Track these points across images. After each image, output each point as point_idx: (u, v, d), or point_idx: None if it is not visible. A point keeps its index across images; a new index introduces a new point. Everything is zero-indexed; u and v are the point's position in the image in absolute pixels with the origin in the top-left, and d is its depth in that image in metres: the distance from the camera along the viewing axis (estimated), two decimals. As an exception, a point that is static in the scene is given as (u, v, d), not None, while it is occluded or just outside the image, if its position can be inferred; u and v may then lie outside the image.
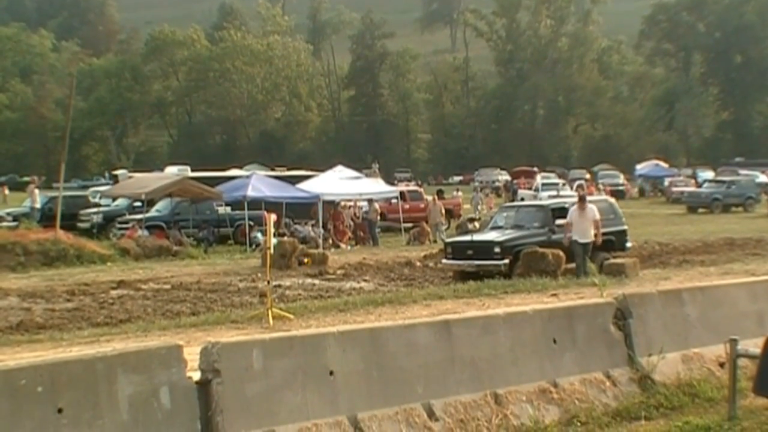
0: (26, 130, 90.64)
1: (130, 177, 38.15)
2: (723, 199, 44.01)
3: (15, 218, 31.20)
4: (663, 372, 8.57)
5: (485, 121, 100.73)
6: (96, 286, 17.84)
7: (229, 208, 30.05)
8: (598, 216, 17.86)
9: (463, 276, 18.19)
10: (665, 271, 19.10)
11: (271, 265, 14.41)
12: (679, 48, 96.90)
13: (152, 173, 40.77)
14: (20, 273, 20.36)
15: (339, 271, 20.52)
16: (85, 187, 54.14)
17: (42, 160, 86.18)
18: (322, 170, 34.74)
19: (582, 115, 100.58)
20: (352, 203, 31.96)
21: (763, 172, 58.48)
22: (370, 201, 30.48)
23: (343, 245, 28.43)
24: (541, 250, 17.75)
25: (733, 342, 7.79)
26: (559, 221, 18.76)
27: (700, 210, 43.53)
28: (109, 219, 30.94)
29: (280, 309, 13.33)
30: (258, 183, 28.73)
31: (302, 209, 30.05)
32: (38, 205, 32.31)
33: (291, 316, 12.94)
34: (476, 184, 62.91)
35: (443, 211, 31.89)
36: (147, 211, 29.15)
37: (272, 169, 46.49)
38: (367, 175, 38.61)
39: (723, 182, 47.21)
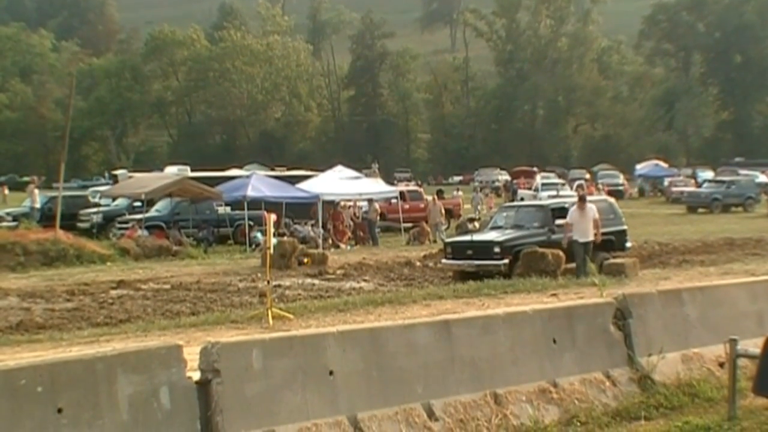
0: (26, 129, 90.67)
1: (130, 177, 38.15)
2: (723, 199, 44.02)
3: (15, 218, 31.22)
4: (663, 372, 8.57)
5: (485, 121, 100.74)
6: (96, 286, 17.84)
7: (228, 208, 30.07)
8: (597, 215, 17.90)
9: (463, 276, 18.19)
10: (665, 271, 19.11)
11: (270, 265, 14.42)
12: (678, 48, 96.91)
13: (152, 173, 40.76)
14: (20, 273, 20.37)
15: (339, 271, 20.52)
16: (85, 187, 54.18)
17: (42, 160, 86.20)
18: (322, 170, 34.74)
19: (582, 115, 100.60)
20: (351, 203, 31.95)
21: (762, 172, 58.50)
22: (370, 201, 30.47)
23: (342, 245, 28.43)
24: (540, 250, 17.76)
25: (733, 342, 7.79)
26: (558, 221, 18.77)
27: (700, 210, 43.54)
28: (109, 219, 30.94)
29: (280, 309, 13.33)
30: (258, 183, 28.72)
31: (302, 209, 30.06)
32: (38, 205, 32.32)
33: (291, 316, 12.95)
34: (476, 184, 62.90)
35: (443, 211, 31.88)
36: (147, 211, 29.15)
37: (272, 169, 46.50)
38: (366, 175, 38.61)
39: (723, 182, 47.21)
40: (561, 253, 17.62)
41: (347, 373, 6.81)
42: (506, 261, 18.02)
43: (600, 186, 51.09)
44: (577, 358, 8.26)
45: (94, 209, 32.73)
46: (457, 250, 19.14)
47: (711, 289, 10.28)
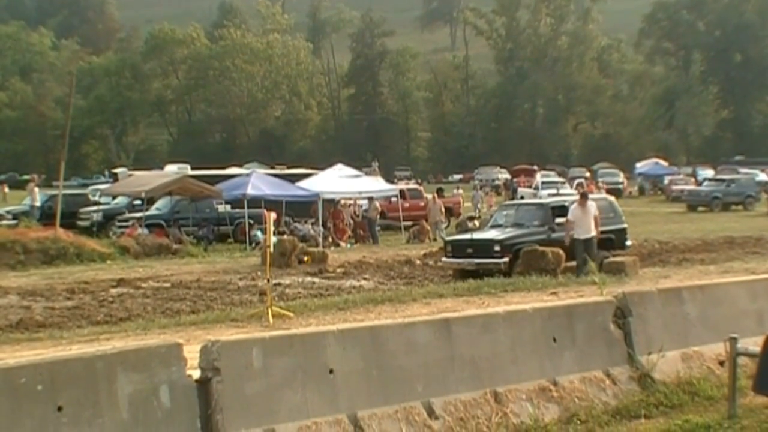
0: (26, 128, 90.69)
1: (130, 175, 38.16)
2: (723, 198, 44.04)
3: (15, 216, 31.23)
4: (663, 370, 8.57)
5: (485, 119, 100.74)
6: (96, 285, 17.82)
7: (228, 207, 30.05)
8: (597, 213, 17.92)
9: (463, 274, 18.20)
10: (665, 270, 19.10)
11: (270, 264, 14.40)
12: (678, 46, 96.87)
13: (152, 171, 40.77)
14: (20, 271, 20.36)
15: (339, 270, 20.51)
16: (85, 186, 54.22)
17: (42, 159, 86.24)
18: (322, 168, 34.75)
19: (582, 114, 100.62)
20: (351, 202, 31.95)
21: (762, 171, 58.49)
22: (370, 199, 30.45)
23: (342, 244, 28.43)
24: (540, 248, 17.75)
25: (733, 340, 7.79)
26: (558, 219, 18.78)
27: (700, 208, 43.55)
28: (109, 217, 30.96)
29: (280, 307, 13.32)
30: (258, 181, 28.72)
31: (302, 208, 30.07)
32: (38, 204, 32.33)
33: (291, 315, 12.94)
34: (476, 182, 62.91)
35: (443, 209, 31.88)
36: (147, 210, 29.15)
37: (272, 168, 46.63)
38: (366, 174, 38.60)
39: (723, 181, 47.24)
40: (561, 252, 17.62)
41: (347, 372, 6.81)
42: (506, 259, 18.02)
43: (600, 184, 51.08)
44: (577, 357, 8.26)
45: (94, 207, 32.72)
46: (457, 249, 19.13)
47: (711, 287, 10.27)
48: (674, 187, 52.71)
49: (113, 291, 17.11)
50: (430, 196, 33.28)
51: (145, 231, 26.84)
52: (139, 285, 17.93)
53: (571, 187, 46.99)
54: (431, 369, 7.29)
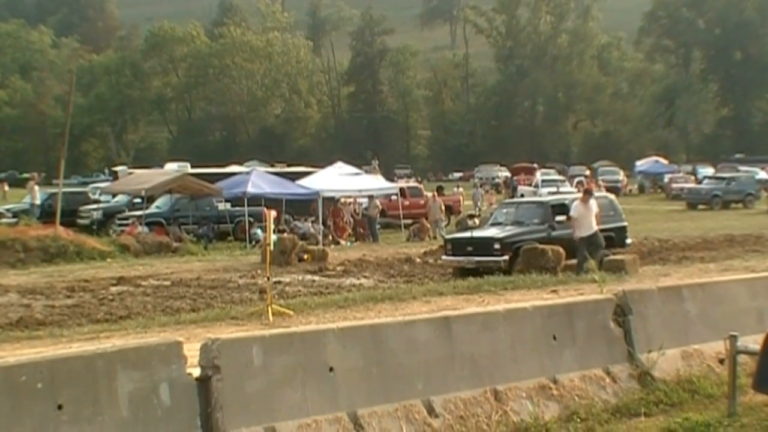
0: (26, 126, 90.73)
1: (130, 173, 38.16)
2: (723, 196, 44.03)
3: (15, 215, 31.25)
4: (663, 368, 8.57)
5: (485, 117, 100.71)
6: (96, 283, 17.82)
7: (228, 205, 30.05)
8: (597, 210, 17.96)
9: (463, 272, 18.18)
10: (665, 268, 19.08)
11: (270, 262, 14.40)
12: (678, 44, 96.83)
13: (152, 170, 40.77)
14: (20, 269, 20.36)
15: (339, 268, 20.51)
16: (85, 184, 54.18)
17: (42, 157, 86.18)
18: (322, 167, 34.71)
19: (582, 112, 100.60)
20: (351, 200, 31.95)
21: (762, 169, 58.40)
22: (370, 197, 30.44)
23: (342, 242, 28.43)
24: (540, 246, 17.74)
25: (733, 338, 7.79)
26: (558, 217, 18.78)
27: (700, 206, 43.52)
28: (109, 215, 30.96)
29: (280, 305, 13.32)
30: (258, 179, 28.72)
31: (302, 206, 30.07)
32: (38, 202, 32.33)
33: (291, 313, 12.94)
34: (476, 180, 62.89)
35: (443, 207, 31.88)
36: (147, 208, 29.14)
37: (272, 166, 46.58)
38: (366, 172, 38.59)
39: (723, 179, 47.20)
40: (561, 250, 17.63)
41: (347, 370, 6.81)
42: (506, 257, 18.01)
43: (601, 183, 51.08)
44: (577, 355, 8.26)
45: (94, 206, 32.73)
46: (457, 247, 19.13)
47: (711, 285, 10.27)
48: (674, 185, 52.69)
49: (113, 289, 17.11)
50: (430, 194, 33.29)
51: (145, 229, 26.85)
52: (139, 283, 17.93)
53: (571, 185, 47.06)
54: (431, 367, 7.29)
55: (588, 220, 17.59)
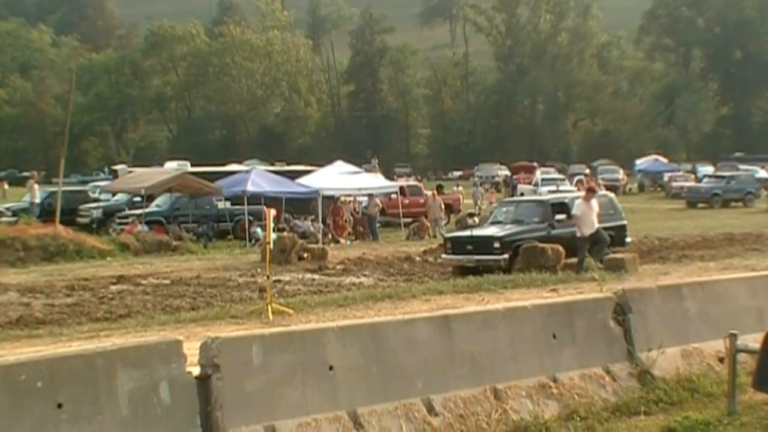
0: (26, 125, 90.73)
1: (130, 172, 38.18)
2: (722, 195, 44.05)
3: (14, 213, 31.20)
4: (662, 367, 8.57)
5: (485, 116, 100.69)
6: (95, 281, 17.83)
7: (228, 203, 30.05)
8: (597, 208, 17.99)
9: (463, 271, 18.19)
10: (665, 266, 19.09)
11: (270, 260, 14.41)
12: (678, 43, 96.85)
13: (152, 168, 40.78)
14: (20, 268, 20.35)
15: (338, 266, 20.52)
16: (85, 182, 54.13)
17: (41, 156, 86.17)
18: (322, 165, 34.72)
19: (582, 111, 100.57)
20: (351, 198, 31.95)
21: (762, 168, 58.42)
22: (370, 196, 30.44)
23: (342, 240, 28.42)
24: (540, 245, 17.76)
25: (733, 337, 7.79)
26: (558, 216, 18.79)
27: (700, 205, 43.55)
28: (109, 214, 30.95)
29: (280, 304, 13.32)
30: (257, 178, 28.72)
31: (302, 204, 30.07)
32: (38, 200, 32.29)
33: (291, 311, 12.94)
34: (476, 179, 62.88)
35: (443, 206, 31.87)
36: (146, 207, 29.14)
37: (272, 164, 46.58)
38: (366, 171, 38.59)
39: (722, 177, 47.23)
40: (561, 248, 17.64)
41: (347, 368, 6.81)
42: (506, 256, 18.03)
43: (601, 182, 51.06)
44: (576, 353, 8.26)
45: (94, 204, 32.72)
46: (456, 246, 19.14)
47: (711, 284, 10.28)
48: (674, 184, 52.68)
49: (113, 288, 17.12)
50: (429, 193, 33.28)
51: (145, 228, 26.85)
52: (139, 282, 17.93)
53: (571, 183, 47.04)
54: (431, 366, 7.29)
55: (590, 219, 17.61)
